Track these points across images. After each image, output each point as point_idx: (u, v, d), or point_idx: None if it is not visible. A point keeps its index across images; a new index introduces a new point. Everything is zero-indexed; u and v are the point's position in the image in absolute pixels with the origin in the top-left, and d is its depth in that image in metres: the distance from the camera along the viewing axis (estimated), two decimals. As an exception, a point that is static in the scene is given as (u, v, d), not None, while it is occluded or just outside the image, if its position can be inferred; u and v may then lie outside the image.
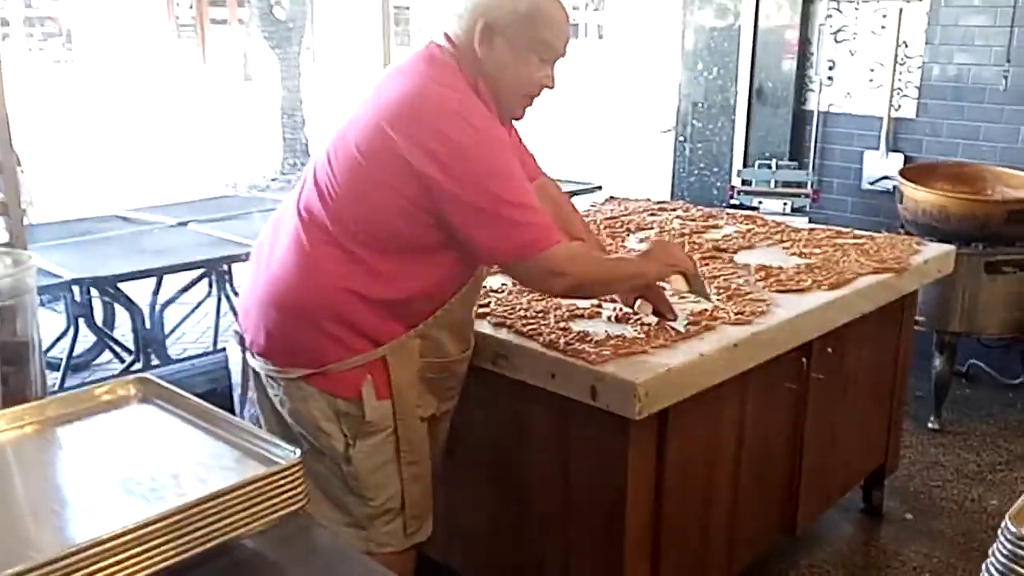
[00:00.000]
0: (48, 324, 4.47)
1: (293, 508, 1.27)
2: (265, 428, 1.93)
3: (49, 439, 1.41)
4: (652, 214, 3.28)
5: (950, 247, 3.04)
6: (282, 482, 1.25)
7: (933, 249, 2.95)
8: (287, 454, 1.30)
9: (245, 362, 2.01)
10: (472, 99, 1.83)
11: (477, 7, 1.83)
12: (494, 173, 1.77)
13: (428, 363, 1.94)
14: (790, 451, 2.57)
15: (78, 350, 4.18)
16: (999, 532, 1.11)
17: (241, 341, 2.01)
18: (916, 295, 3.08)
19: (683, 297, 2.31)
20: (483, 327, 2.13)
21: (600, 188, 4.94)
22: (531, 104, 1.94)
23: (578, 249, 1.99)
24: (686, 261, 2.10)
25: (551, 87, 1.91)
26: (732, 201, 4.65)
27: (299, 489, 1.27)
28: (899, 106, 4.63)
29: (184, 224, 4.22)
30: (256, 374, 1.97)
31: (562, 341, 1.99)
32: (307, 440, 1.91)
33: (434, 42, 1.89)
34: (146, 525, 1.10)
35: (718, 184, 5.27)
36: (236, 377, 2.08)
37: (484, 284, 2.38)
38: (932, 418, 3.89)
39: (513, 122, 2.01)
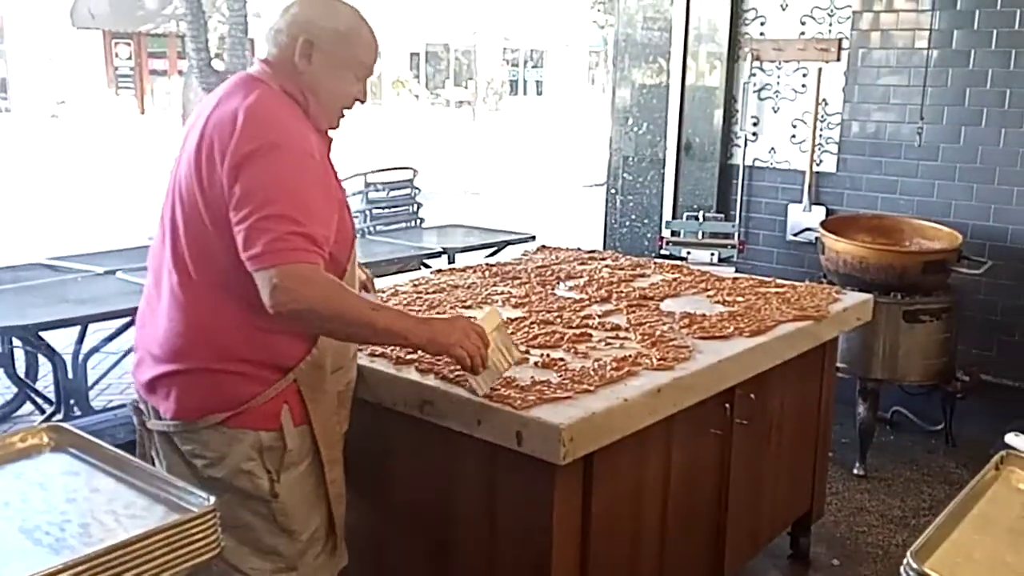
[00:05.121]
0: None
1: (206, 557, 1.25)
2: None
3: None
4: (582, 263, 3.34)
5: (868, 296, 3.14)
6: (195, 530, 1.24)
7: (852, 298, 3.05)
8: (200, 501, 1.28)
9: (144, 431, 1.98)
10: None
11: (298, 23, 1.90)
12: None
13: (337, 376, 1.98)
14: (716, 497, 2.60)
15: (-3, 402, 4.06)
16: (901, 570, 1.14)
17: (137, 411, 1.98)
18: (836, 342, 3.17)
19: (601, 347, 2.35)
20: (410, 374, 2.13)
21: (534, 238, 5.01)
22: (344, 116, 2.01)
23: (322, 276, 1.78)
24: (463, 350, 1.92)
25: (363, 101, 2.00)
26: (662, 251, 4.75)
27: (212, 537, 1.26)
28: (820, 161, 4.81)
29: (112, 272, 4.15)
30: (164, 436, 1.92)
31: (488, 388, 2.00)
32: (231, 490, 1.87)
33: (247, 72, 1.94)
34: None
35: (648, 235, 5.38)
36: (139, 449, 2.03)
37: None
38: (857, 464, 3.97)
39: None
